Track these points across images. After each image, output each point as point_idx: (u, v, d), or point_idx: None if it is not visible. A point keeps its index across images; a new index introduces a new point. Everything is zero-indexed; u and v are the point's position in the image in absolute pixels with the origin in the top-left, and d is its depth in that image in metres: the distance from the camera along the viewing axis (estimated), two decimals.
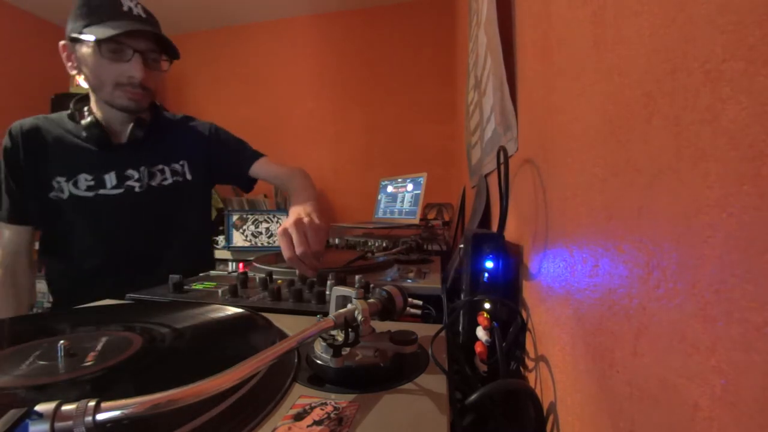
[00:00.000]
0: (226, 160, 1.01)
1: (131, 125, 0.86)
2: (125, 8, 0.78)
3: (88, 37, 0.75)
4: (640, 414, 0.19)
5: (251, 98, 2.56)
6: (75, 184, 0.84)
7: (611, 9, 0.23)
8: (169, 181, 0.92)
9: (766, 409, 0.12)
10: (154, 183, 0.90)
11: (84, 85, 0.84)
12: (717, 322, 0.14)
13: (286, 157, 2.46)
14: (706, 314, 0.14)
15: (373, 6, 2.35)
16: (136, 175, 0.89)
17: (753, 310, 0.12)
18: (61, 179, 0.84)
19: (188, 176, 0.95)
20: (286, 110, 2.51)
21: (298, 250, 0.65)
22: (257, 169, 1.02)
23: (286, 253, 0.66)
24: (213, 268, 0.94)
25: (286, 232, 0.66)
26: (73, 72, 0.82)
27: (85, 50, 0.77)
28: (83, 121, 0.84)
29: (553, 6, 0.35)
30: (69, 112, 0.88)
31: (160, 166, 0.91)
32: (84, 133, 0.84)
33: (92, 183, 0.85)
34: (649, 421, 0.18)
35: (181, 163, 0.94)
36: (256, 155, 1.04)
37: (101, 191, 0.86)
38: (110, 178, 0.87)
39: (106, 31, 0.74)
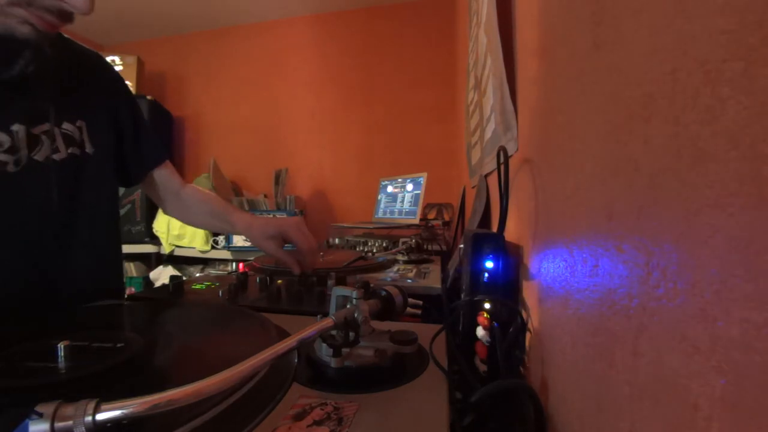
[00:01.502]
0: (132, 140, 0.68)
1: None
2: None
3: None
4: (640, 414, 0.19)
5: (251, 98, 2.56)
6: None
7: (611, 9, 0.23)
8: (64, 154, 0.55)
9: (766, 409, 0.12)
10: (38, 157, 0.52)
11: None
12: (717, 322, 0.14)
13: (287, 157, 2.47)
14: (706, 314, 0.14)
15: (373, 6, 2.36)
16: (8, 142, 0.49)
17: (753, 310, 0.12)
18: None
19: (87, 147, 0.58)
20: (286, 110, 2.51)
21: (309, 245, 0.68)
22: (164, 172, 0.74)
23: (306, 245, 0.68)
24: (122, 294, 0.66)
25: (300, 226, 0.69)
26: None
27: None
28: None
29: (553, 6, 0.35)
30: None
31: (46, 126, 0.52)
32: None
33: None
34: (649, 421, 0.18)
35: (78, 124, 0.57)
36: (166, 153, 0.75)
37: None
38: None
39: None
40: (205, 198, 0.78)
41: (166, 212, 0.80)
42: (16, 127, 0.49)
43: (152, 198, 0.78)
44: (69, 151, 0.56)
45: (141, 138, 0.69)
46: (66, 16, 0.46)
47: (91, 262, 0.59)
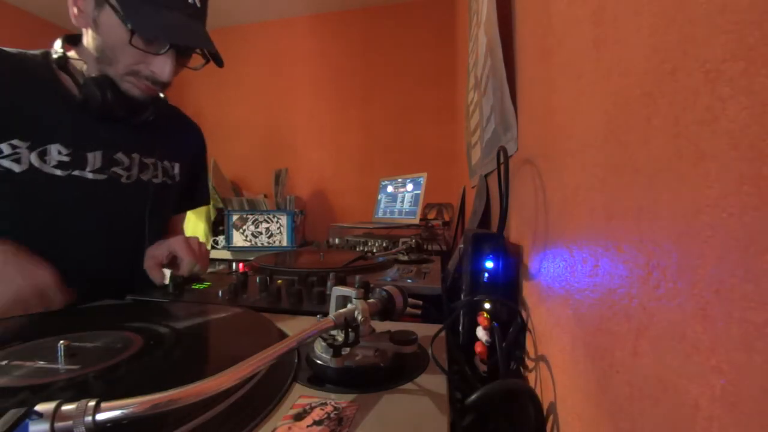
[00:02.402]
0: (192, 185, 0.86)
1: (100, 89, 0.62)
2: None
3: (116, 5, 0.57)
4: (640, 414, 0.19)
5: (251, 98, 2.56)
6: (42, 156, 0.59)
7: (611, 9, 0.23)
8: (159, 180, 0.75)
9: (766, 409, 0.12)
10: (144, 177, 0.72)
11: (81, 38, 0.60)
12: (717, 322, 0.14)
13: (287, 157, 2.47)
14: (706, 314, 0.14)
15: (373, 6, 2.36)
16: (126, 162, 0.68)
17: (753, 310, 0.12)
18: (21, 144, 0.58)
19: (177, 179, 0.79)
20: (286, 110, 2.51)
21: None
22: (180, 217, 0.90)
23: (188, 254, 0.67)
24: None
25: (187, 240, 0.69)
26: (77, 23, 0.61)
27: (109, 17, 0.58)
28: (80, 68, 0.62)
29: (553, 6, 0.35)
30: (57, 55, 0.61)
31: (153, 160, 0.73)
32: (77, 89, 0.61)
33: (67, 159, 0.61)
34: (649, 421, 0.18)
35: (173, 164, 0.78)
36: (208, 198, 0.92)
37: (76, 172, 0.63)
38: (94, 158, 0.64)
39: (147, 22, 0.58)
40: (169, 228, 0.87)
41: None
42: (135, 155, 0.71)
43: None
44: (163, 179, 0.76)
45: (202, 182, 0.90)
46: (158, 83, 0.66)
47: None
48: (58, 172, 0.61)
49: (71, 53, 0.65)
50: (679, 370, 0.16)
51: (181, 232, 0.91)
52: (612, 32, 0.23)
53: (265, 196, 2.36)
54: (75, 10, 0.60)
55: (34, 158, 0.59)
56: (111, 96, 0.61)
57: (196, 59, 0.70)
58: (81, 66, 0.64)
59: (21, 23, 2.33)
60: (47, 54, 0.64)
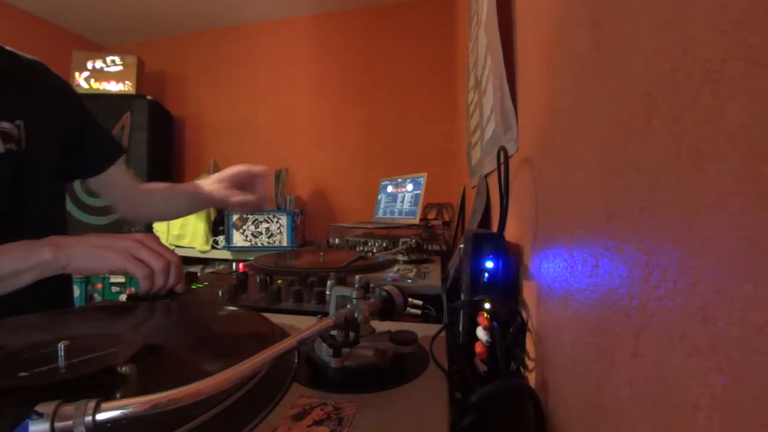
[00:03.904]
0: (85, 141, 0.70)
1: None
2: None
3: None
4: (640, 414, 0.19)
5: (251, 98, 2.56)
6: None
7: (611, 9, 0.23)
8: (1, 149, 0.57)
9: (766, 409, 0.12)
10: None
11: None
12: (717, 322, 0.14)
13: (287, 157, 2.47)
14: (706, 314, 0.14)
15: (372, 6, 2.36)
16: None
17: (753, 310, 0.12)
18: None
19: (23, 144, 0.60)
20: (286, 110, 2.51)
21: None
22: (120, 171, 0.74)
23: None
24: (72, 302, 0.70)
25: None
26: None
27: None
28: None
29: (553, 6, 0.35)
30: None
31: None
32: None
33: None
34: (649, 421, 0.18)
35: (16, 122, 0.59)
36: (119, 151, 0.75)
37: None
38: None
39: None
40: (166, 187, 0.79)
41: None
42: None
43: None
44: (7, 146, 0.58)
45: (91, 136, 0.72)
46: None
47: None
48: None
49: None
50: (679, 370, 0.16)
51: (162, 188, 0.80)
52: (612, 32, 0.23)
53: None
54: None
55: None
56: None
57: None
58: None
59: (21, 23, 2.33)
60: None
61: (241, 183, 0.77)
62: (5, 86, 0.60)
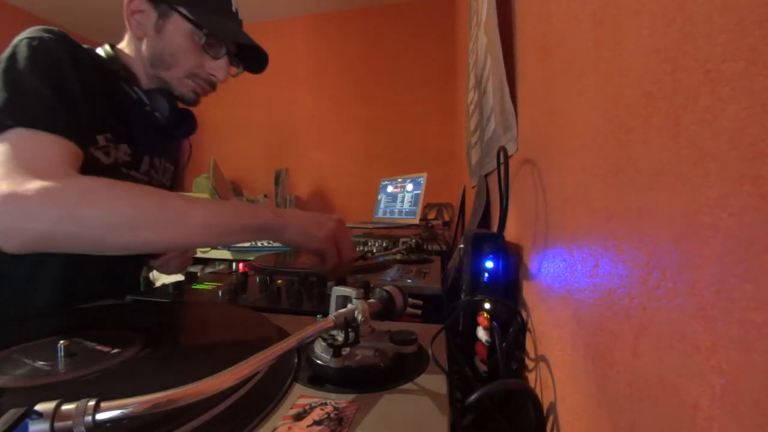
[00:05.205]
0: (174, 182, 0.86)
1: (167, 104, 0.68)
2: (233, 9, 0.69)
3: (188, 14, 0.62)
4: (640, 414, 0.19)
5: (251, 98, 2.56)
6: (117, 152, 0.63)
7: (611, 9, 0.23)
8: (167, 181, 0.78)
9: (766, 409, 0.12)
10: (159, 178, 0.75)
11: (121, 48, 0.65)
12: (717, 322, 0.14)
13: (287, 157, 2.47)
14: (706, 314, 0.14)
15: (373, 6, 2.36)
16: (159, 165, 0.74)
17: (753, 310, 0.12)
18: (110, 138, 0.61)
19: (169, 182, 0.80)
20: (286, 110, 2.51)
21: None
22: None
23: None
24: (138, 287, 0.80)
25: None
26: (134, 33, 0.65)
27: (175, 26, 0.63)
28: (144, 82, 0.67)
29: (553, 6, 0.35)
30: (117, 61, 0.65)
31: (163, 161, 0.76)
32: (144, 97, 0.65)
33: (129, 159, 0.65)
34: (649, 421, 0.18)
35: (168, 165, 0.78)
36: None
37: (132, 172, 0.67)
38: (145, 161, 0.69)
39: (222, 28, 0.64)
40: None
41: None
42: (162, 158, 0.74)
43: None
44: (167, 181, 0.78)
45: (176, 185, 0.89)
46: (213, 85, 0.70)
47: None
48: (123, 170, 0.65)
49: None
50: (679, 370, 0.16)
51: None
52: (612, 32, 0.23)
53: (265, 196, 2.36)
54: (134, 22, 0.65)
55: (117, 152, 0.63)
56: (167, 104, 0.67)
57: (234, 71, 0.75)
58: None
59: (21, 23, 2.33)
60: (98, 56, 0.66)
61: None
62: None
